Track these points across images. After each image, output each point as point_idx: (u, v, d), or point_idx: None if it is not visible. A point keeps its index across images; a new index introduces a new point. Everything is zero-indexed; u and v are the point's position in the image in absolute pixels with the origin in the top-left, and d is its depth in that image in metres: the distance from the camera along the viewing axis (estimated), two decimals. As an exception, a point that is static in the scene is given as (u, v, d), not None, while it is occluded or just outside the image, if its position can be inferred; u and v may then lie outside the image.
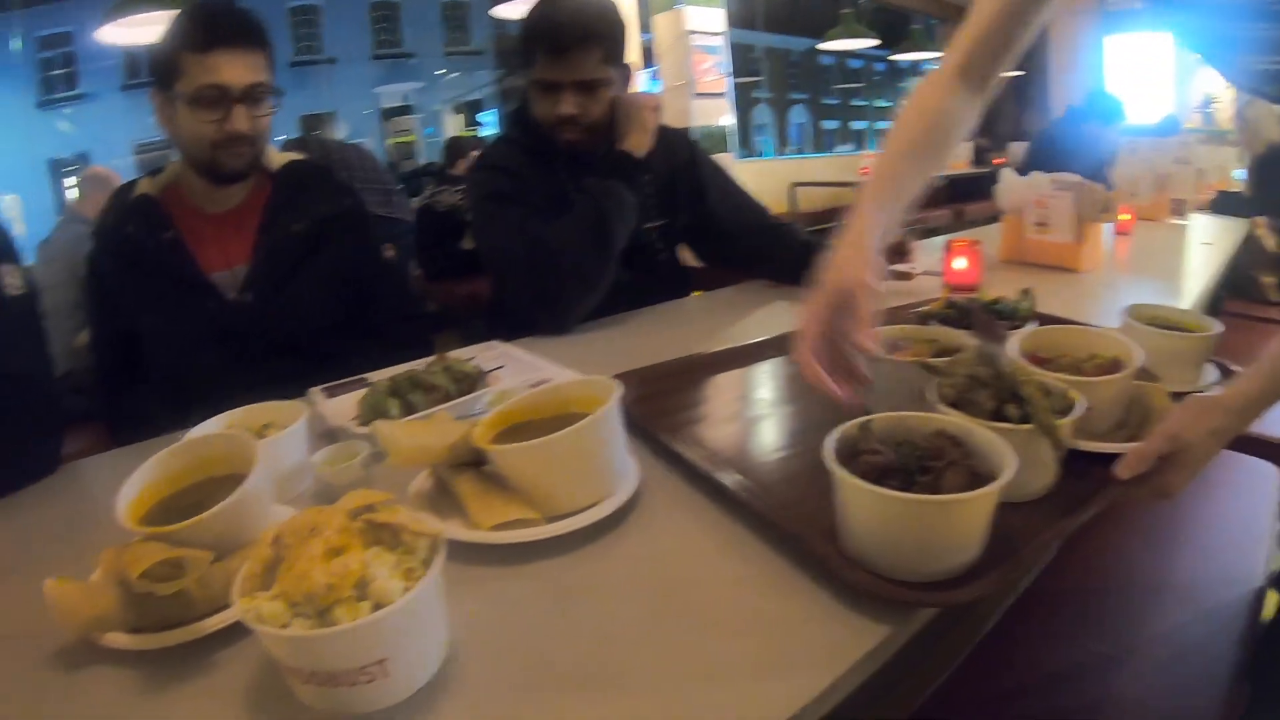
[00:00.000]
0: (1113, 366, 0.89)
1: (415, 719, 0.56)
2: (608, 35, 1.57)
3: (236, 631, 0.65)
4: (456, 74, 10.27)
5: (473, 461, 0.80)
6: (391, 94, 10.05)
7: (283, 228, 1.46)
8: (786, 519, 0.74)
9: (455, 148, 4.64)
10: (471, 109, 10.41)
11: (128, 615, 0.64)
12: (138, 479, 0.76)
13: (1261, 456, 1.47)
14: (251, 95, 1.36)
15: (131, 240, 1.38)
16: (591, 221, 1.52)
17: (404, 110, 9.95)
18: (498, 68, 10.06)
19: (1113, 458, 0.79)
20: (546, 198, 1.61)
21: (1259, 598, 1.18)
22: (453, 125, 10.06)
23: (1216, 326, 1.06)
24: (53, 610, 0.63)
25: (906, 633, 0.65)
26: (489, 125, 9.90)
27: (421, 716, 0.56)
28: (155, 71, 1.37)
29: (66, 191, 8.21)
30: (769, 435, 1.01)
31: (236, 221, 1.47)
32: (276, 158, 1.53)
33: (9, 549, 0.91)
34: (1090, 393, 0.81)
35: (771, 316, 1.61)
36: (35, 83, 7.56)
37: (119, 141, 7.29)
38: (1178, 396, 0.88)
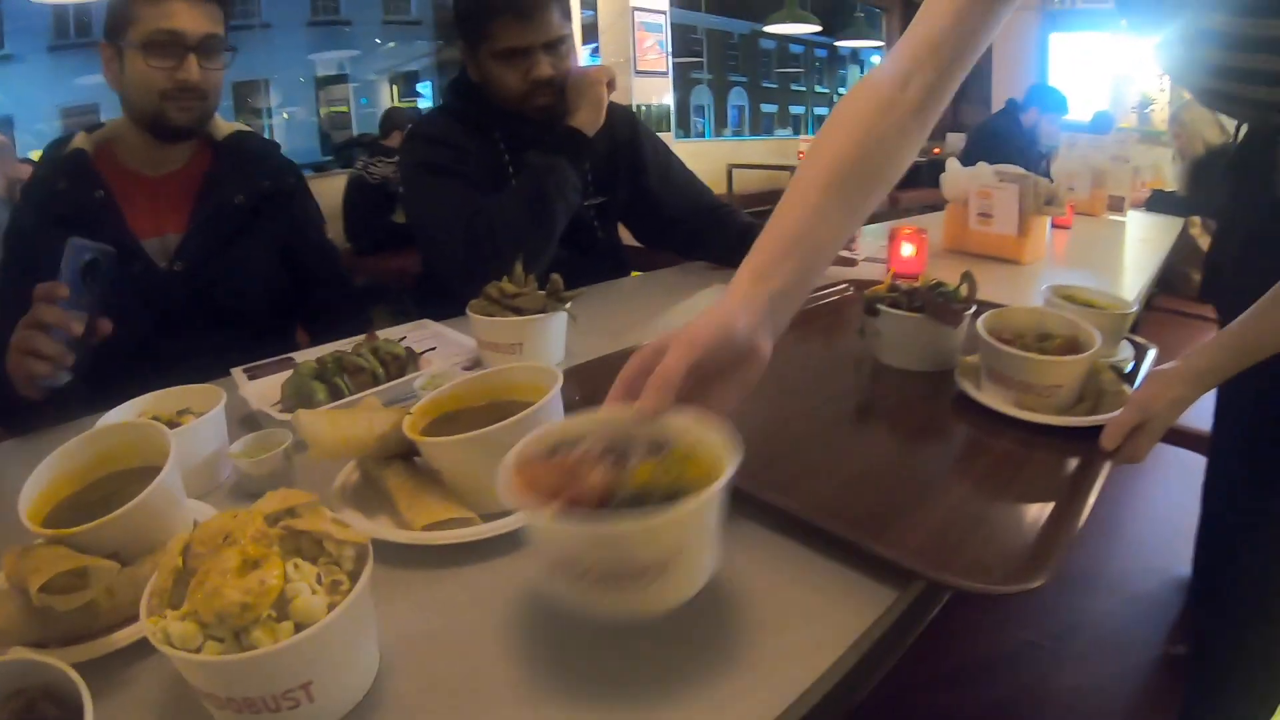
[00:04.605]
0: (1071, 345, 0.94)
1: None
2: None
3: (149, 645, 0.60)
4: (393, 44, 10.03)
5: (403, 453, 0.75)
6: (327, 62, 9.75)
7: (222, 197, 1.41)
8: (774, 496, 0.73)
9: (390, 120, 4.55)
10: (407, 80, 10.17)
11: (31, 628, 0.58)
12: (41, 474, 0.69)
13: (1189, 448, 1.51)
14: (205, 46, 1.31)
15: (60, 197, 1.31)
16: (534, 199, 1.46)
17: (339, 79, 9.68)
18: (436, 39, 9.84)
19: (1080, 430, 0.87)
20: (484, 171, 1.57)
21: (1185, 586, 1.22)
22: (388, 96, 9.81)
23: (1131, 305, 1.15)
24: None
25: (905, 600, 0.64)
26: (426, 98, 9.68)
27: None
28: (107, 22, 1.31)
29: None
30: (742, 414, 0.98)
31: (174, 187, 1.41)
32: (223, 126, 1.47)
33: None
34: (1062, 371, 0.91)
35: (712, 299, 1.58)
36: (-43, 41, 7.23)
37: (44, 103, 7.00)
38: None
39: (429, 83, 10.37)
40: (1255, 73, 0.79)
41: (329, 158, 6.96)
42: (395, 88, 10.38)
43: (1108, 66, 8.53)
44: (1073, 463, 0.84)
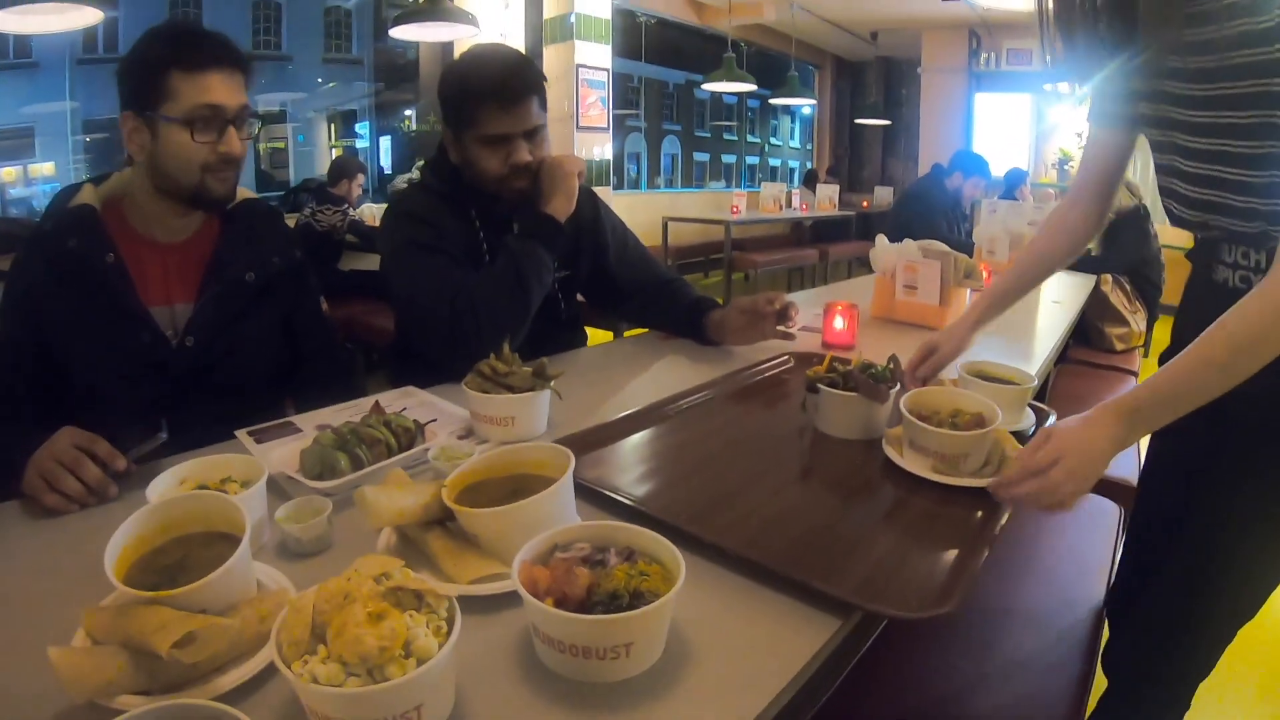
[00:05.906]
0: (978, 421, 1.15)
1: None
2: (541, 81, 1.67)
3: (245, 688, 0.71)
4: (333, 84, 10.04)
5: (439, 519, 0.90)
6: (267, 99, 9.70)
7: (233, 273, 1.45)
8: (744, 548, 0.92)
9: (340, 168, 4.62)
10: (345, 120, 10.18)
11: (138, 678, 0.68)
12: (119, 538, 0.78)
13: (1105, 495, 1.73)
14: (241, 118, 1.36)
15: (70, 255, 1.32)
16: (511, 281, 1.58)
17: (278, 117, 9.65)
18: (375, 80, 9.90)
19: (984, 490, 1.07)
20: (462, 248, 1.68)
21: (1098, 618, 1.39)
22: (326, 134, 9.82)
23: (1033, 380, 1.36)
24: (62, 678, 0.65)
25: (848, 627, 0.82)
26: (364, 138, 9.71)
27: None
28: (134, 92, 1.32)
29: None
30: (707, 479, 1.15)
31: (183, 256, 1.44)
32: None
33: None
34: (969, 443, 1.11)
35: (669, 369, 1.74)
36: None
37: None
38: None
39: (367, 123, 10.41)
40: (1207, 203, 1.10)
41: (276, 194, 6.89)
42: (334, 126, 10.39)
43: (1028, 125, 9.14)
44: (977, 515, 1.05)
